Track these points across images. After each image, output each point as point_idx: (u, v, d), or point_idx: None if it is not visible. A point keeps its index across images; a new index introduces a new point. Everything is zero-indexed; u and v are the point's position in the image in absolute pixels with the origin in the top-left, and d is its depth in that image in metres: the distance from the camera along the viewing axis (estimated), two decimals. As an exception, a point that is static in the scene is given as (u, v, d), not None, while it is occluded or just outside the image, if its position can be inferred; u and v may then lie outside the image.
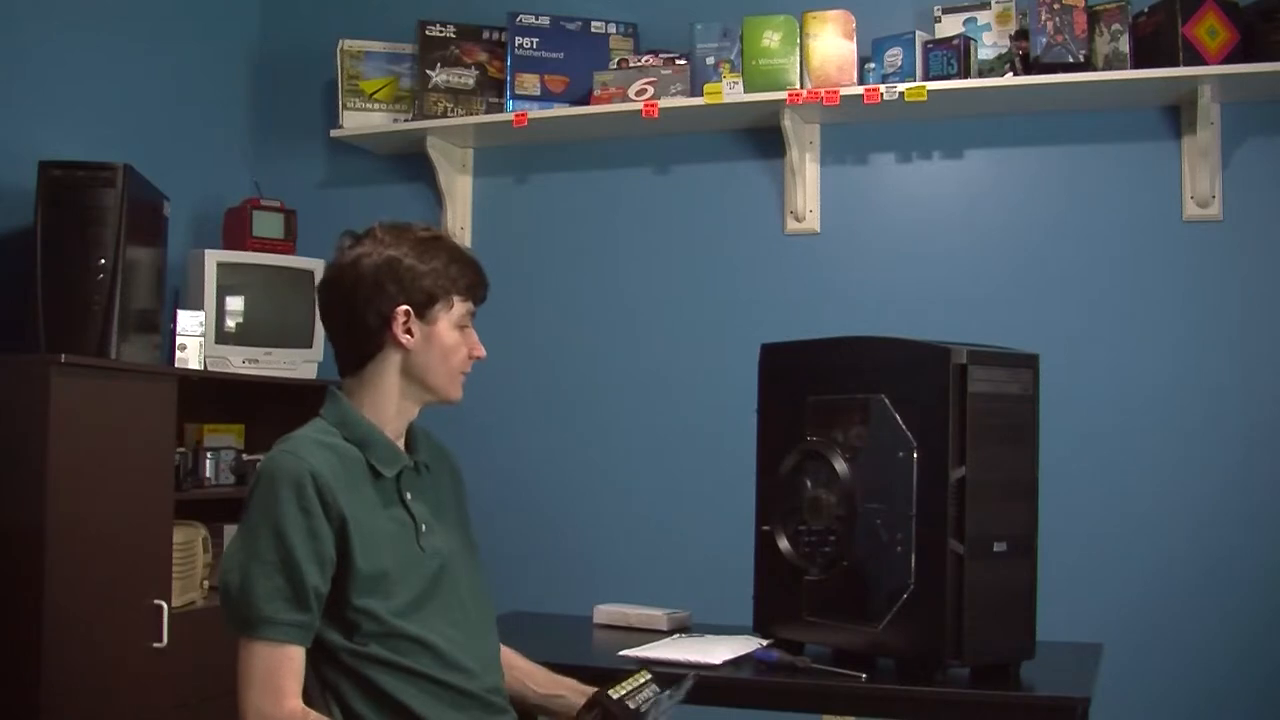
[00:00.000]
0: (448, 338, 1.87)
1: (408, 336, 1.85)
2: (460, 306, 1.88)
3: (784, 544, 2.20)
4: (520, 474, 3.60)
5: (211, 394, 3.44)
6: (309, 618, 1.69)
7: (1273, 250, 3.09)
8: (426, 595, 1.82)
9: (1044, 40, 3.07)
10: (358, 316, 1.85)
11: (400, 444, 1.90)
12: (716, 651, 2.13)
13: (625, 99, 3.40)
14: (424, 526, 1.86)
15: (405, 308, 1.84)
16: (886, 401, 2.04)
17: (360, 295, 1.84)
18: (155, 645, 2.82)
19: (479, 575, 1.98)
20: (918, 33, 3.22)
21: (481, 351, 1.93)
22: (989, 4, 3.20)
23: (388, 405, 1.87)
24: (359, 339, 1.86)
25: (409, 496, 1.86)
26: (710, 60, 3.38)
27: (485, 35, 3.63)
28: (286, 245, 3.63)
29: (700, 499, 3.44)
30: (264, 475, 1.74)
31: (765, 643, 2.21)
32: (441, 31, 3.60)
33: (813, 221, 3.44)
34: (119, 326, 2.87)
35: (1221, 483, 3.08)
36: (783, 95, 3.25)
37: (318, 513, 1.71)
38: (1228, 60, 2.96)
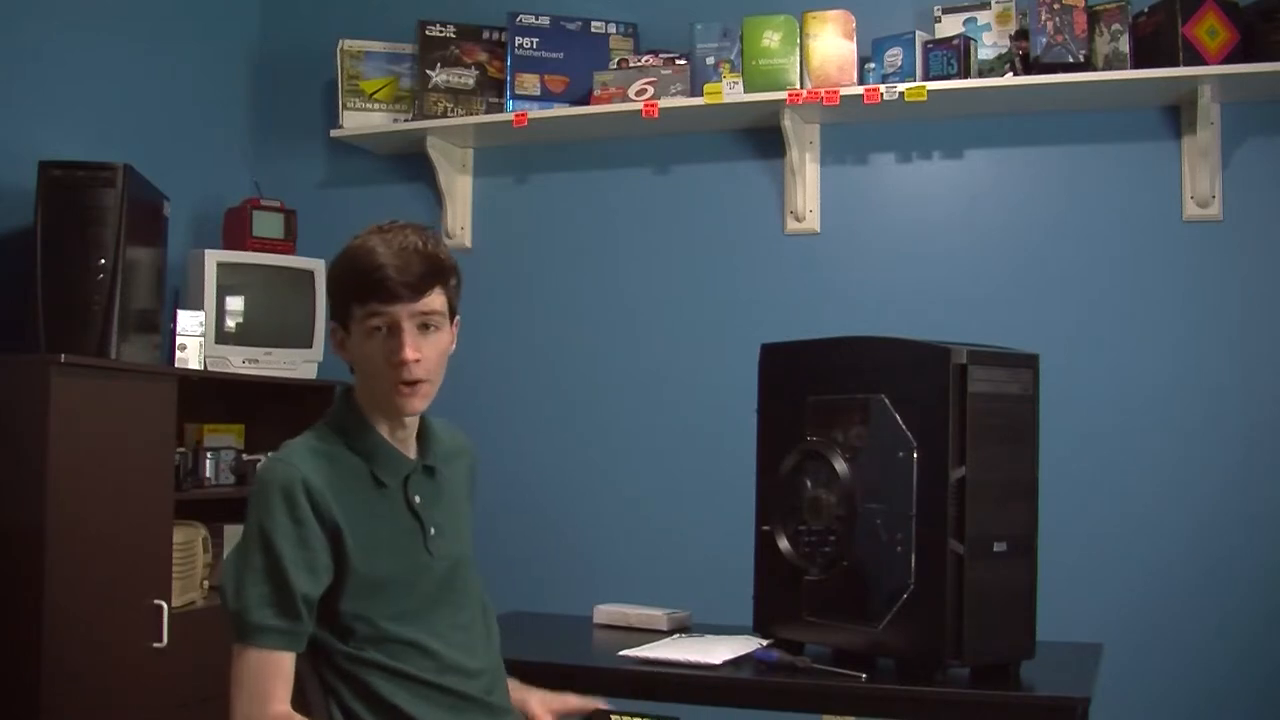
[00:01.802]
0: (359, 349, 1.79)
1: (344, 353, 1.84)
2: (360, 310, 1.76)
3: (784, 544, 2.20)
4: (520, 474, 3.60)
5: (211, 394, 3.44)
6: (297, 624, 1.69)
7: (1273, 250, 3.09)
8: (434, 599, 1.82)
9: (1044, 40, 3.07)
10: None
11: (410, 445, 1.88)
12: (716, 651, 2.13)
13: (625, 99, 3.40)
14: (433, 530, 1.85)
15: (333, 323, 1.85)
16: (886, 401, 2.04)
17: None
18: (155, 645, 2.82)
19: (476, 574, 1.98)
20: (918, 33, 3.22)
21: (401, 355, 1.74)
22: (989, 4, 3.20)
23: (376, 411, 1.84)
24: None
25: (418, 500, 1.85)
26: (710, 60, 3.38)
27: (485, 35, 3.63)
28: (286, 245, 3.63)
29: (700, 499, 3.44)
30: (259, 484, 1.75)
31: (765, 643, 2.21)
32: (441, 31, 3.60)
33: (813, 221, 3.44)
34: (119, 326, 2.87)
35: (1221, 483, 3.08)
36: (783, 95, 3.25)
37: (308, 521, 1.70)
38: (1228, 60, 2.96)
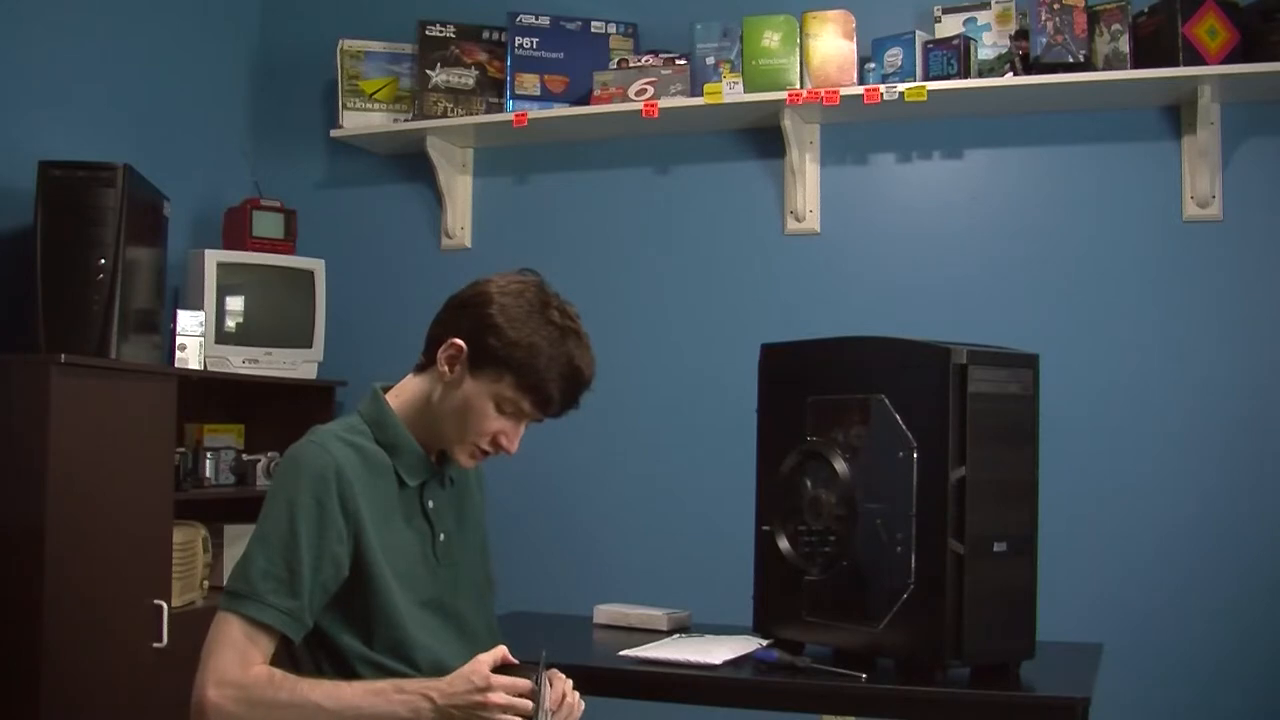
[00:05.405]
0: (477, 401, 1.81)
1: (445, 370, 1.82)
2: (509, 390, 1.81)
3: (784, 544, 2.20)
4: (520, 474, 3.56)
5: (211, 394, 3.44)
6: (297, 605, 1.68)
7: (1273, 250, 3.09)
8: (434, 603, 1.83)
9: (1044, 40, 3.07)
10: (434, 324, 1.87)
11: (432, 453, 1.89)
12: (716, 651, 2.13)
13: (625, 99, 3.39)
14: (442, 536, 1.87)
15: (460, 343, 1.81)
16: (886, 401, 2.04)
17: (449, 308, 1.87)
18: (155, 645, 2.82)
19: (487, 590, 2.00)
20: (918, 33, 3.22)
21: (509, 445, 1.86)
22: (989, 4, 3.20)
23: (416, 417, 1.86)
24: (426, 345, 1.88)
25: (431, 505, 1.87)
26: (710, 60, 3.38)
27: (485, 35, 3.63)
28: (286, 245, 3.63)
29: (700, 499, 3.44)
30: (289, 462, 1.75)
31: (765, 643, 2.21)
32: (441, 31, 3.60)
33: (813, 221, 3.44)
34: (119, 326, 2.86)
35: (1220, 482, 3.08)
36: (783, 95, 3.25)
37: (334, 510, 1.71)
38: (1228, 60, 2.96)
